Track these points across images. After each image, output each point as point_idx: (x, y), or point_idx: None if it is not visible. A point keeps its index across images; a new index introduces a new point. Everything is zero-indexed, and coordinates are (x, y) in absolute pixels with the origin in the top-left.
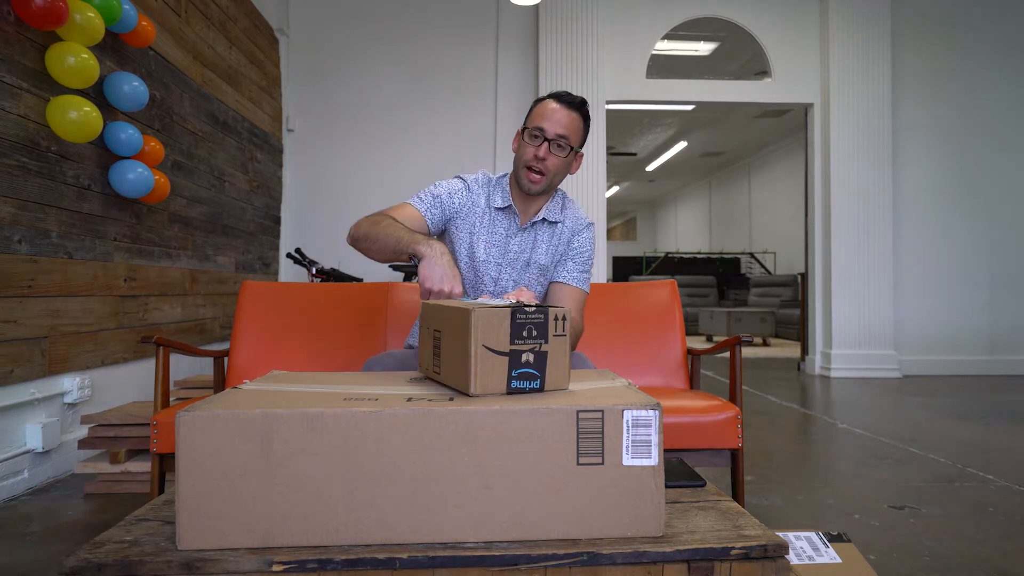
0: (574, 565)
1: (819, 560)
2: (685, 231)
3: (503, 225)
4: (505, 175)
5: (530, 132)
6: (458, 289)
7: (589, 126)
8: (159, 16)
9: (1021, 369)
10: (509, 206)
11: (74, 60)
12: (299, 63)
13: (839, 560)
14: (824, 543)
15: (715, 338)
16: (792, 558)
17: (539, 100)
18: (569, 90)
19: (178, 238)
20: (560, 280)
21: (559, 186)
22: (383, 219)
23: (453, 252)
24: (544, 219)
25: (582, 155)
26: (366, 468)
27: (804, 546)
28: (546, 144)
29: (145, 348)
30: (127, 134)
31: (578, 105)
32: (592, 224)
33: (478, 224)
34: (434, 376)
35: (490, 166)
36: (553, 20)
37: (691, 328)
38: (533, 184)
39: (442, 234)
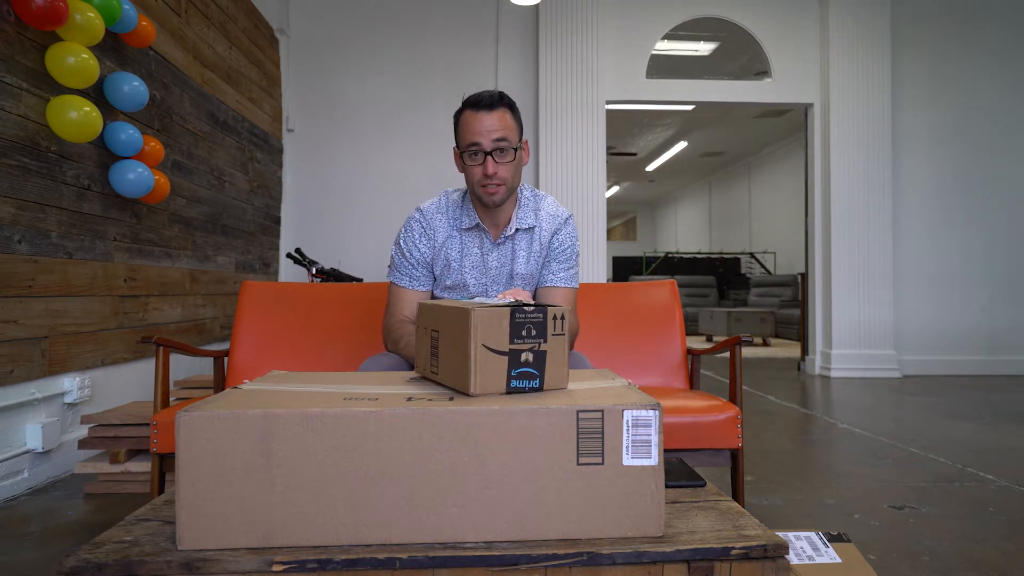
0: (574, 565)
1: (819, 560)
2: (685, 231)
3: (475, 243)
4: (466, 192)
5: (468, 153)
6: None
7: (518, 111)
8: (159, 16)
9: (1021, 369)
10: (477, 224)
11: (74, 60)
12: (299, 63)
13: (839, 560)
14: (824, 543)
15: (715, 338)
16: (792, 558)
17: (459, 113)
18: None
19: (178, 238)
20: (547, 284)
21: (525, 185)
22: (407, 334)
23: (439, 279)
24: (518, 229)
25: (527, 142)
26: (366, 468)
27: (804, 546)
28: (489, 158)
29: (145, 348)
30: (127, 134)
31: (499, 100)
32: (571, 216)
33: (454, 248)
34: (431, 376)
35: None
36: (553, 20)
37: (691, 328)
38: (494, 196)
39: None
